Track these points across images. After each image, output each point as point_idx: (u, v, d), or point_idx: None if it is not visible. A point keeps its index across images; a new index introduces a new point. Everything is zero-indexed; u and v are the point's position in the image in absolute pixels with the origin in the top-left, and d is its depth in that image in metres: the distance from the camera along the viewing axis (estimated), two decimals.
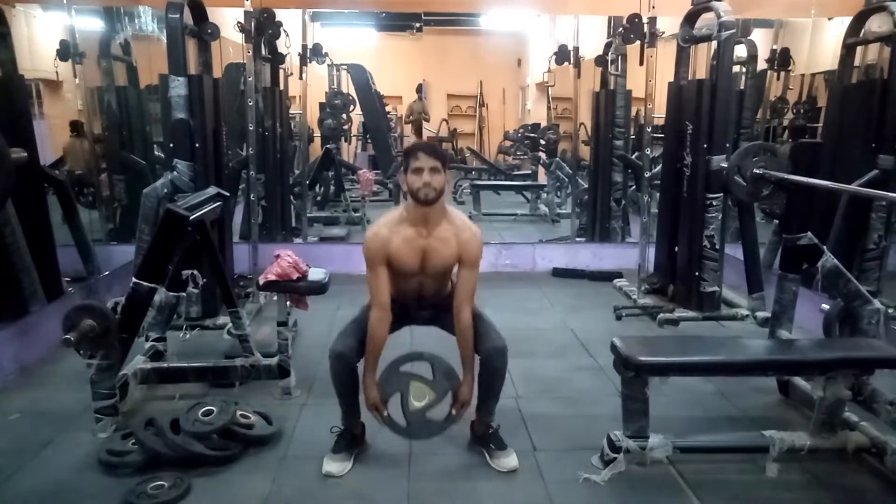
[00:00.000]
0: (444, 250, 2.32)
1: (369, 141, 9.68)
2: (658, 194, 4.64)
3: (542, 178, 7.96)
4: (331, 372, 2.35)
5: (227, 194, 3.37)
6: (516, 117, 10.91)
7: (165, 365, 2.98)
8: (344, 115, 8.02)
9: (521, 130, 9.13)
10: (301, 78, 5.97)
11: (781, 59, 5.42)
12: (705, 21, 3.95)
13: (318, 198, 7.49)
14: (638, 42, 4.59)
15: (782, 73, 5.51)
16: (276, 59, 5.59)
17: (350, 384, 2.36)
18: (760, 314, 3.82)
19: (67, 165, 4.87)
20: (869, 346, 2.47)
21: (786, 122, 5.70)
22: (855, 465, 2.38)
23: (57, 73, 4.71)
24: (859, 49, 3.93)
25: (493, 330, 2.40)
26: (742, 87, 5.27)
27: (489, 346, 2.33)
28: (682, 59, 4.12)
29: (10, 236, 3.33)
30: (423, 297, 2.47)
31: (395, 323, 2.40)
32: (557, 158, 7.55)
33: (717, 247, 3.85)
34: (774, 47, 5.50)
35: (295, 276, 2.80)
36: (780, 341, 2.80)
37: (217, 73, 4.16)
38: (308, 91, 6.13)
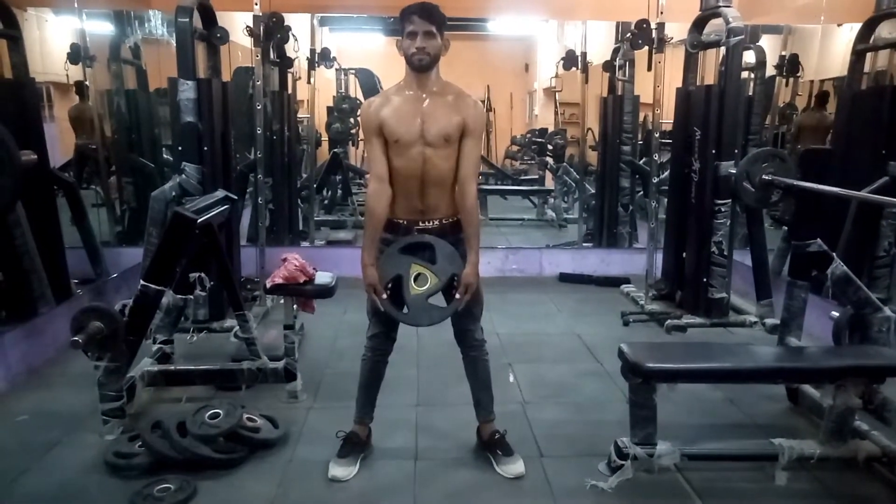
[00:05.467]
0: (444, 111, 2.17)
1: None
2: (666, 200, 4.63)
3: (550, 183, 7.94)
4: (362, 359, 2.40)
5: (235, 197, 3.39)
6: (524, 122, 10.89)
7: (172, 367, 2.99)
8: (351, 119, 8.03)
9: (529, 135, 9.11)
10: (309, 82, 6.00)
11: (790, 66, 5.40)
12: (714, 27, 3.95)
13: (326, 201, 7.49)
14: (646, 47, 4.58)
15: (791, 80, 5.50)
16: (285, 63, 5.61)
17: (377, 375, 2.41)
18: (769, 321, 3.80)
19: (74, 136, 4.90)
20: (879, 354, 2.45)
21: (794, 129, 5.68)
22: (865, 475, 2.36)
23: (67, 76, 4.74)
24: (869, 55, 3.93)
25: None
26: (750, 93, 5.25)
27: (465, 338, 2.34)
28: (690, 64, 4.12)
29: (20, 238, 3.34)
30: (426, 187, 2.21)
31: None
32: (565, 163, 7.54)
33: (726, 253, 3.83)
34: (783, 53, 5.48)
35: (302, 279, 2.81)
36: (789, 349, 2.77)
37: (226, 76, 4.17)
38: (316, 95, 6.17)
